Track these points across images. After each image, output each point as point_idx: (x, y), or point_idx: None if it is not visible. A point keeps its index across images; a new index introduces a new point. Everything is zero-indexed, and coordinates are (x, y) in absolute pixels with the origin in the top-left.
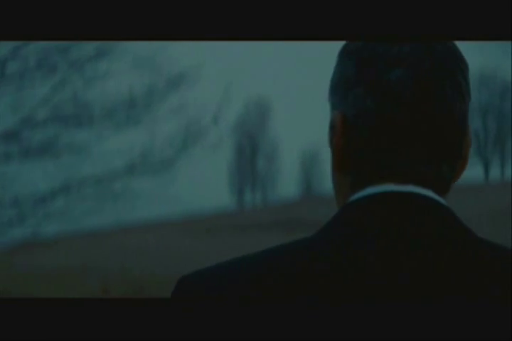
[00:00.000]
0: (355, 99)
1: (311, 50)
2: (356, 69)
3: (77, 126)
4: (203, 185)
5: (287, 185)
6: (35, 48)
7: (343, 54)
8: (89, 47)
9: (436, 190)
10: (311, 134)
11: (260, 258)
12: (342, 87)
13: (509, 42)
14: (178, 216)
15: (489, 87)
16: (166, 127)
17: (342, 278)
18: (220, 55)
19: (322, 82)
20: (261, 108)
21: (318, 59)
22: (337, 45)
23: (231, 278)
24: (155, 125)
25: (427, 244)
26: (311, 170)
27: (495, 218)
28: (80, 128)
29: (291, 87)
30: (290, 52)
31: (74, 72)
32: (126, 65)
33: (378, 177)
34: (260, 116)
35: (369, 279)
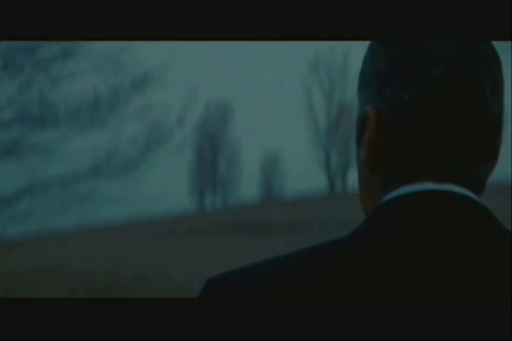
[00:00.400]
0: (392, 95)
1: (274, 52)
2: (392, 64)
3: (42, 127)
4: (166, 187)
5: (248, 187)
6: (0, 49)
7: (374, 48)
8: (55, 47)
9: (474, 189)
10: (272, 137)
11: (291, 259)
12: (376, 82)
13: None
14: (141, 218)
15: None
16: (130, 128)
17: (380, 280)
18: (183, 56)
19: (283, 84)
20: (222, 110)
21: (280, 61)
22: (299, 48)
23: (261, 280)
24: (119, 126)
25: (468, 245)
26: (272, 173)
27: None
28: (45, 128)
29: (252, 89)
30: (254, 53)
31: (39, 73)
32: (91, 66)
33: (414, 175)
34: (221, 118)
35: (408, 280)
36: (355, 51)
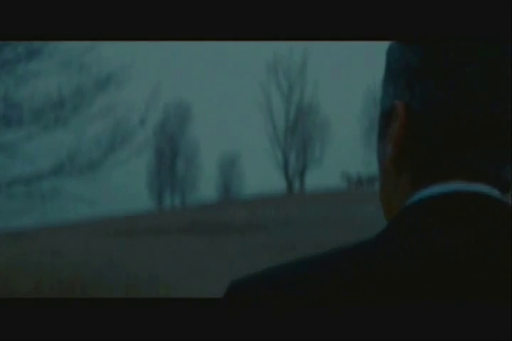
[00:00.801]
0: (423, 92)
1: (234, 54)
2: (423, 61)
3: (6, 126)
4: (127, 187)
5: (206, 187)
6: None
7: (407, 44)
8: (19, 47)
9: (501, 190)
10: (230, 138)
11: (318, 261)
12: (406, 77)
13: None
14: (102, 216)
15: None
16: (93, 128)
17: (413, 280)
18: (146, 56)
19: (242, 86)
20: (181, 111)
21: (239, 63)
22: (259, 50)
23: (285, 283)
24: (83, 126)
25: (500, 246)
26: (230, 174)
27: None
28: (10, 128)
29: (211, 90)
30: (213, 55)
31: (3, 72)
32: (55, 65)
33: (443, 174)
34: (180, 119)
35: (441, 281)
36: (314, 54)
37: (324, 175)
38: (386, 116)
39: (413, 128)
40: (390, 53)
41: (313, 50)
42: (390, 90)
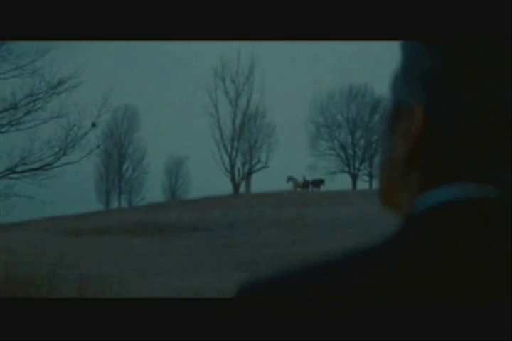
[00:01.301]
0: (441, 94)
1: (182, 59)
2: (448, 65)
3: None
4: (76, 187)
5: (153, 189)
6: None
7: (427, 44)
8: None
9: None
10: (177, 141)
11: (331, 263)
12: (426, 79)
13: None
14: (52, 216)
15: (358, 102)
16: (45, 130)
17: (431, 281)
18: (95, 60)
19: (190, 91)
20: (129, 114)
21: (187, 68)
22: (206, 55)
23: (294, 286)
24: (36, 128)
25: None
26: (177, 176)
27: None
28: None
29: (159, 94)
30: (161, 59)
31: None
32: (8, 68)
33: (455, 175)
34: (128, 123)
35: (464, 282)
36: (261, 61)
37: (270, 178)
38: (399, 114)
39: (429, 129)
40: (409, 53)
41: (260, 56)
42: (405, 89)
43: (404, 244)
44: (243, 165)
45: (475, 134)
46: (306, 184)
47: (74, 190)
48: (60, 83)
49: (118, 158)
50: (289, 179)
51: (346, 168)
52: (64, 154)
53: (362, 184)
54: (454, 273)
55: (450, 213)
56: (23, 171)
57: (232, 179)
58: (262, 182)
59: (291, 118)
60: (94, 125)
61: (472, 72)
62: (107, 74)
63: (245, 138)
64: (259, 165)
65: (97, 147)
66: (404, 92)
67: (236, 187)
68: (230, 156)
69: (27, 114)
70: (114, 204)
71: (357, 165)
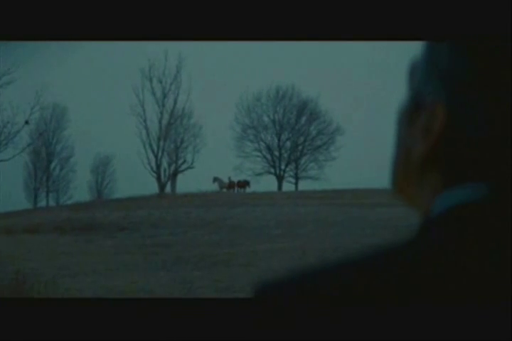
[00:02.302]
0: (467, 96)
1: (109, 58)
2: (471, 65)
3: None
4: (5, 186)
5: (80, 188)
6: None
7: (456, 45)
8: None
9: None
10: (103, 140)
11: (349, 262)
12: (449, 78)
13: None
14: None
15: (285, 104)
16: None
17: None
18: (26, 58)
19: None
20: (57, 113)
21: (115, 68)
22: (134, 55)
23: (314, 284)
24: None
25: None
26: (103, 175)
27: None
28: None
29: (87, 93)
30: (89, 57)
31: None
32: None
33: (473, 174)
34: (56, 121)
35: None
36: (189, 61)
37: (196, 179)
38: (418, 111)
39: (451, 128)
40: (431, 51)
41: (188, 57)
42: (427, 87)
43: (424, 245)
44: (169, 165)
45: (497, 135)
46: (231, 185)
47: (3, 188)
48: None
49: (46, 157)
50: (215, 180)
51: (272, 170)
52: None
53: (287, 185)
54: (474, 274)
55: (469, 214)
56: None
57: (159, 179)
58: (188, 183)
59: (217, 119)
60: (27, 122)
61: (495, 72)
62: (37, 73)
63: (172, 138)
64: (185, 166)
65: (29, 145)
66: (426, 90)
67: (162, 187)
68: (156, 156)
69: None
70: (43, 203)
71: (283, 167)
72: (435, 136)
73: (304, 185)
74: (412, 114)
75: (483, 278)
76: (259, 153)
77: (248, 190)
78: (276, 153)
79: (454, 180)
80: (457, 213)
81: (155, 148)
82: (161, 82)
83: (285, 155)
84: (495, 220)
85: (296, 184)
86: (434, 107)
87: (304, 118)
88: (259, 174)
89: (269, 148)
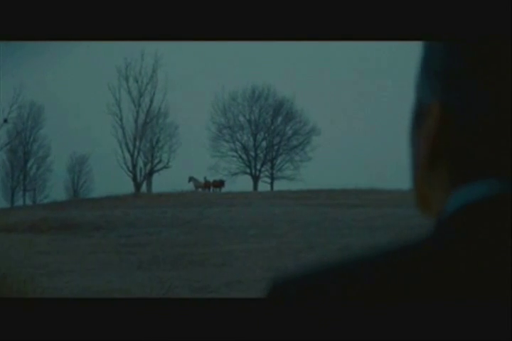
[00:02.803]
0: (463, 94)
1: (86, 57)
2: (467, 63)
3: None
4: None
5: (56, 187)
6: None
7: (446, 43)
8: None
9: None
10: (79, 139)
11: (362, 261)
12: (445, 78)
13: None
14: None
15: (261, 104)
16: None
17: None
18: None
19: (94, 90)
20: (34, 112)
21: (91, 66)
22: (111, 54)
23: (329, 282)
24: None
25: None
26: (79, 174)
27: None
28: None
29: (63, 92)
30: (67, 56)
31: None
32: None
33: (480, 172)
34: (32, 120)
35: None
36: (165, 61)
37: (171, 179)
38: (421, 114)
39: (447, 127)
40: (428, 51)
41: (164, 56)
42: (425, 88)
43: (438, 244)
44: (145, 164)
45: (494, 131)
46: (207, 184)
47: None
48: None
49: (23, 156)
50: (190, 179)
51: (247, 170)
52: None
53: (263, 185)
54: (489, 273)
55: (482, 211)
56: None
57: (134, 178)
58: (164, 182)
59: (193, 118)
60: (6, 121)
61: (492, 70)
62: (15, 71)
63: (147, 137)
64: (160, 165)
65: (7, 144)
66: (425, 92)
67: (138, 186)
68: (132, 155)
69: None
70: (19, 202)
71: (258, 167)
72: (432, 136)
73: (280, 185)
74: (416, 120)
75: (497, 277)
76: (234, 153)
77: (224, 189)
78: (252, 153)
79: (457, 180)
80: (472, 210)
81: (131, 147)
82: (137, 81)
83: (261, 155)
84: (506, 215)
85: (271, 184)
86: (433, 108)
87: (279, 119)
88: (235, 174)
89: (244, 148)
